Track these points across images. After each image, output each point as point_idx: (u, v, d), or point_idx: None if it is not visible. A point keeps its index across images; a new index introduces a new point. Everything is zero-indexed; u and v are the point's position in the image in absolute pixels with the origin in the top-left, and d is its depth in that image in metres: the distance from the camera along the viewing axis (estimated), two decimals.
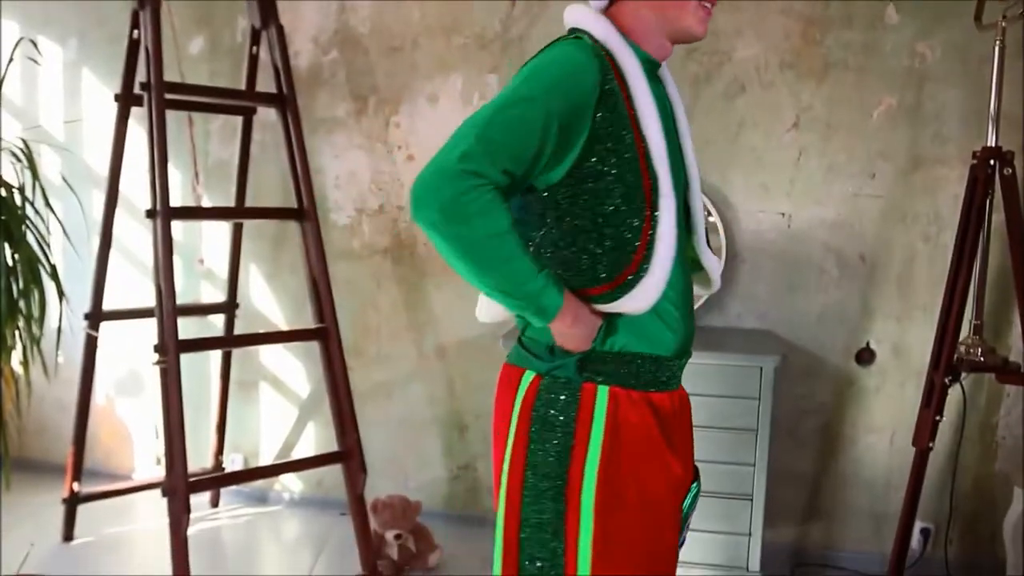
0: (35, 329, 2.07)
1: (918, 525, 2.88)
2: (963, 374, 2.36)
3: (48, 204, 2.14)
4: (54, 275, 2.13)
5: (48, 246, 2.13)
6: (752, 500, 2.57)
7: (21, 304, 2.02)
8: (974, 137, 2.61)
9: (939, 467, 2.85)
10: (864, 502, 3.00)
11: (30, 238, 2.07)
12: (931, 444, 2.34)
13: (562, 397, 1.32)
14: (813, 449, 3.01)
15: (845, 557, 3.01)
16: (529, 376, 1.35)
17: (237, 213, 3.12)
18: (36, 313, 2.06)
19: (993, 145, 2.31)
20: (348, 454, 2.50)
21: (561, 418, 1.31)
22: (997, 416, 2.87)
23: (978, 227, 2.32)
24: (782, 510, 2.99)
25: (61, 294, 2.17)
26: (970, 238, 2.31)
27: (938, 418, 2.33)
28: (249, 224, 3.22)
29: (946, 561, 2.88)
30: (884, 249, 2.86)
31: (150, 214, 2.32)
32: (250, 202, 3.14)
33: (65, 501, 3.00)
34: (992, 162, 2.30)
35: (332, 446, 2.58)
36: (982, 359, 2.37)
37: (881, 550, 2.91)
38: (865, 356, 2.92)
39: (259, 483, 3.46)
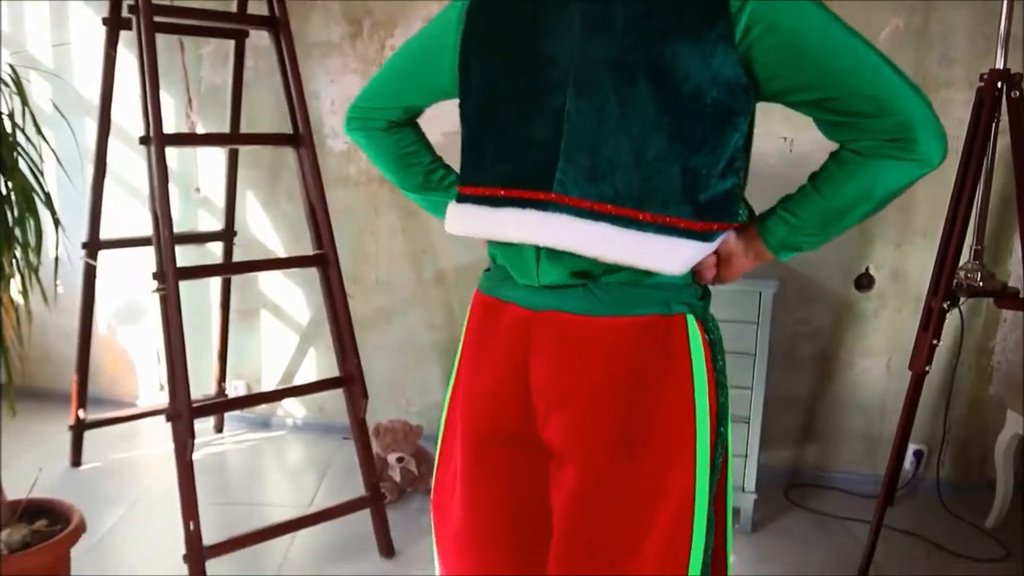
0: (32, 257, 2.05)
1: (911, 447, 2.93)
2: (961, 299, 2.37)
3: (39, 131, 2.10)
4: (48, 203, 2.11)
5: (41, 174, 2.10)
6: (749, 423, 2.60)
7: (17, 232, 2.00)
8: (982, 59, 2.55)
9: (934, 391, 2.89)
10: (858, 425, 3.05)
11: (22, 166, 2.04)
12: (927, 368, 2.36)
13: (719, 338, 1.20)
14: (809, 373, 3.04)
15: (838, 478, 3.07)
16: (692, 321, 1.15)
17: (232, 139, 3.08)
18: (32, 241, 2.05)
19: (1001, 67, 2.27)
20: (349, 379, 2.52)
21: (723, 362, 1.20)
22: (993, 341, 2.89)
23: (983, 151, 2.29)
24: (778, 433, 3.04)
25: (57, 222, 2.15)
26: (974, 162, 2.29)
27: (935, 342, 2.34)
28: (245, 151, 3.19)
29: (937, 483, 2.94)
30: None
31: (143, 141, 2.29)
32: (245, 128, 3.10)
33: (72, 428, 3.04)
34: (1000, 84, 2.25)
35: (333, 372, 2.60)
36: (981, 284, 2.37)
37: (874, 472, 2.97)
38: (864, 281, 2.93)
39: (262, 409, 3.51)
